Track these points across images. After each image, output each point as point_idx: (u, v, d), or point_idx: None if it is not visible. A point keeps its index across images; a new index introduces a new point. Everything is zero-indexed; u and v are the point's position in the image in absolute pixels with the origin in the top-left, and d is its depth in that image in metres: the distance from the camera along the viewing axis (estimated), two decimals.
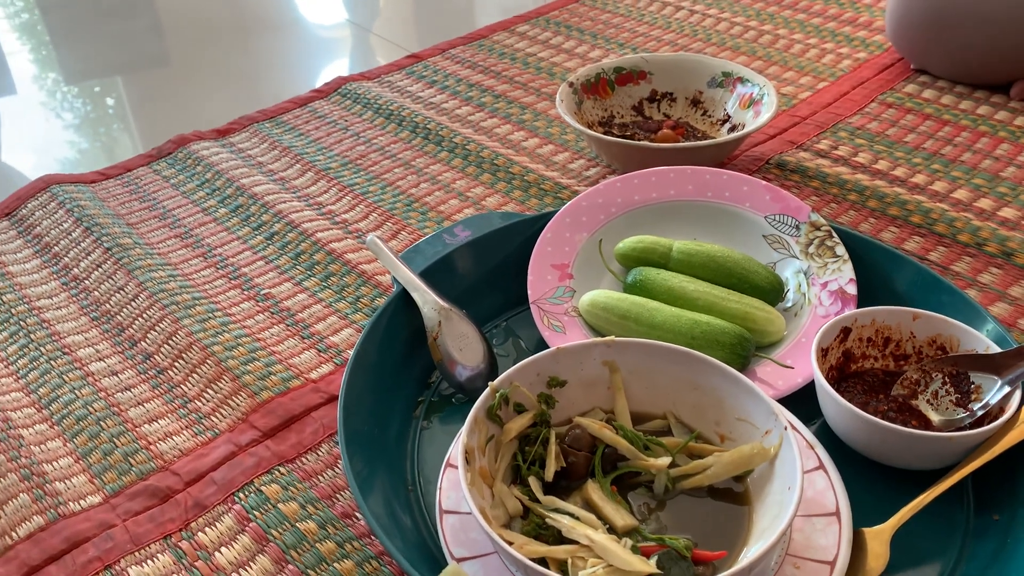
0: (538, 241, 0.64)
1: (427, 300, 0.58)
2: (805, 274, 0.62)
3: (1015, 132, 0.85)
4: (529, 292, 0.61)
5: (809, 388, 0.54)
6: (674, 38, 1.08)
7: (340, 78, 1.02)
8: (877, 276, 0.61)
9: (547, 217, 0.66)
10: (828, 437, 0.52)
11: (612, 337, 0.51)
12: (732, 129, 0.83)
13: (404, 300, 0.59)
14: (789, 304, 0.61)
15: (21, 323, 0.68)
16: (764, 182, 0.66)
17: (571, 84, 0.85)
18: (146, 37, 1.24)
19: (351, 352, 0.55)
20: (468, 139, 0.89)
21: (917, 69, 0.96)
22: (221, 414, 0.58)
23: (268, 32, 1.23)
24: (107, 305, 0.69)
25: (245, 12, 1.30)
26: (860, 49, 1.02)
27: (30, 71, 1.19)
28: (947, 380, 0.53)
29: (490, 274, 0.64)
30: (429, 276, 0.60)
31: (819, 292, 0.60)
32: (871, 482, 0.50)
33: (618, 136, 0.84)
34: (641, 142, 0.78)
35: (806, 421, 0.52)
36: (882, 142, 0.85)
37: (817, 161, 0.82)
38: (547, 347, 0.58)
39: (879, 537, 0.46)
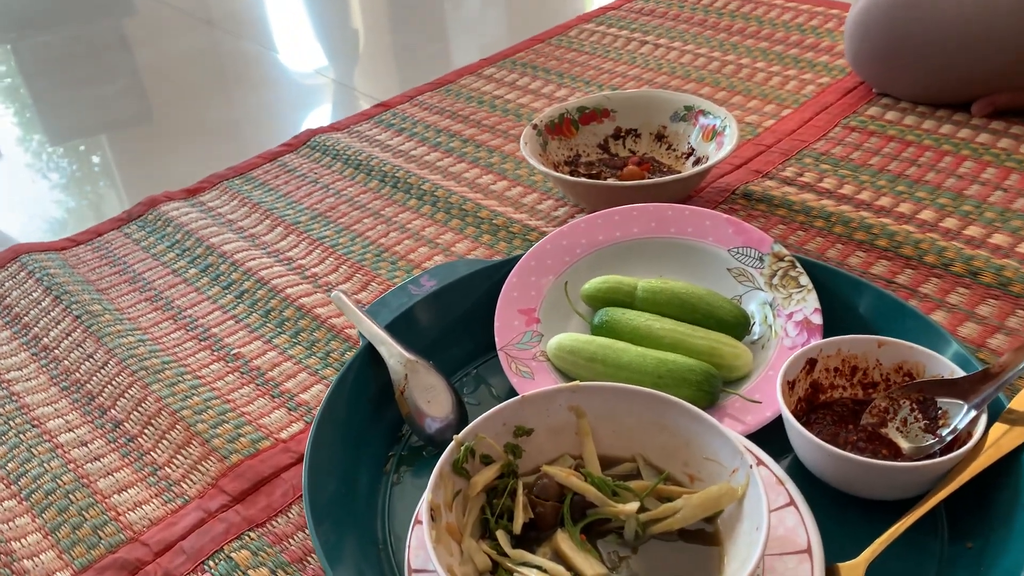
0: (504, 287, 0.64)
1: (393, 353, 0.58)
2: (771, 306, 0.62)
3: (977, 150, 0.85)
4: (496, 339, 0.61)
5: (779, 421, 0.53)
6: (639, 73, 1.09)
7: (309, 131, 1.03)
8: (842, 304, 0.61)
9: (512, 262, 0.66)
10: (800, 471, 0.52)
11: (577, 382, 0.51)
12: (697, 162, 0.84)
13: (370, 354, 0.59)
14: (756, 337, 0.61)
15: None
16: (726, 215, 0.66)
17: (535, 126, 0.86)
18: (126, 97, 1.25)
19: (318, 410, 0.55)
20: (436, 185, 0.89)
21: (879, 92, 0.97)
22: (191, 480, 0.58)
23: (243, 87, 1.24)
24: (76, 374, 0.68)
25: (221, 68, 1.31)
26: (823, 74, 1.03)
27: (14, 133, 1.20)
28: (915, 407, 0.53)
29: (457, 322, 0.64)
30: (395, 329, 0.60)
31: (785, 323, 0.60)
32: (843, 515, 0.50)
33: (584, 175, 0.85)
34: (606, 181, 0.79)
35: (777, 455, 0.51)
36: (847, 166, 0.85)
37: (783, 189, 0.82)
38: (516, 394, 0.58)
39: (854, 572, 0.46)
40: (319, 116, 1.16)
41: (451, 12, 1.46)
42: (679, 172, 0.85)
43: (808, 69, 1.05)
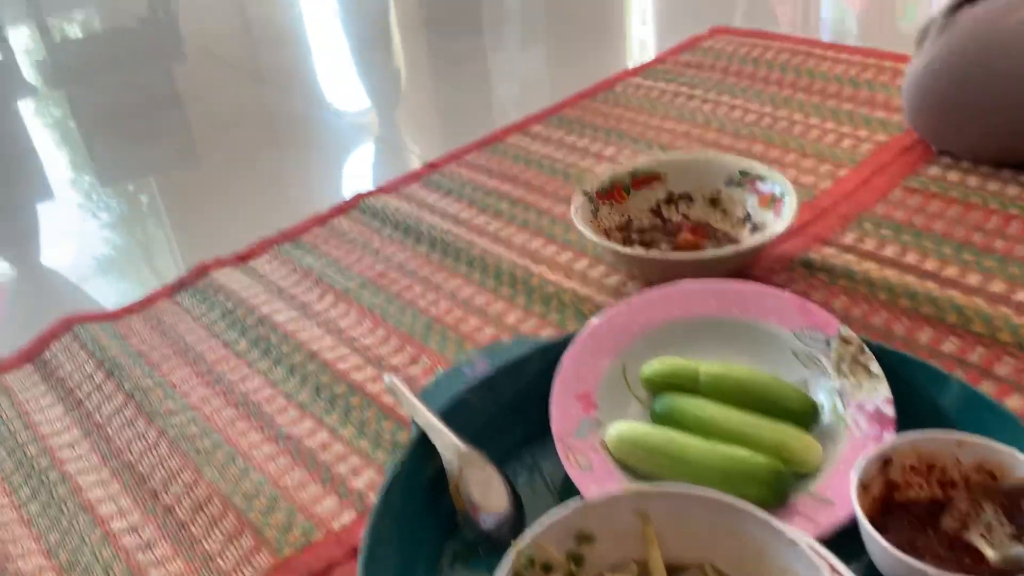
0: (559, 370, 0.62)
1: (447, 444, 0.56)
2: (839, 394, 0.59)
3: None
4: (553, 428, 0.59)
5: (855, 521, 0.51)
6: (687, 129, 1.07)
7: (359, 194, 1.03)
8: (915, 393, 0.58)
9: (567, 342, 0.64)
10: None
11: (642, 486, 0.49)
12: (754, 229, 0.82)
13: (424, 444, 0.57)
14: (825, 427, 0.59)
15: (43, 478, 0.67)
16: (789, 294, 0.64)
17: (585, 192, 0.84)
18: (176, 153, 1.26)
19: (372, 502, 0.53)
20: (486, 251, 0.88)
21: (939, 151, 0.94)
22: (243, 574, 0.57)
23: (292, 145, 1.25)
24: (128, 455, 0.68)
25: (270, 124, 1.33)
26: (879, 131, 1.01)
27: (67, 176, 1.22)
28: (999, 511, 0.50)
29: (511, 406, 0.62)
30: (449, 415, 0.59)
31: (855, 414, 0.58)
32: None
33: (637, 242, 0.83)
34: (660, 249, 0.77)
35: (854, 559, 0.49)
36: (909, 232, 0.83)
37: (844, 257, 0.80)
38: (573, 485, 0.56)
39: None
40: (368, 175, 1.16)
41: (496, 67, 1.46)
42: (735, 239, 0.83)
43: (863, 125, 1.02)
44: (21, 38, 2.04)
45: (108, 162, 1.28)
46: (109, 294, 0.95)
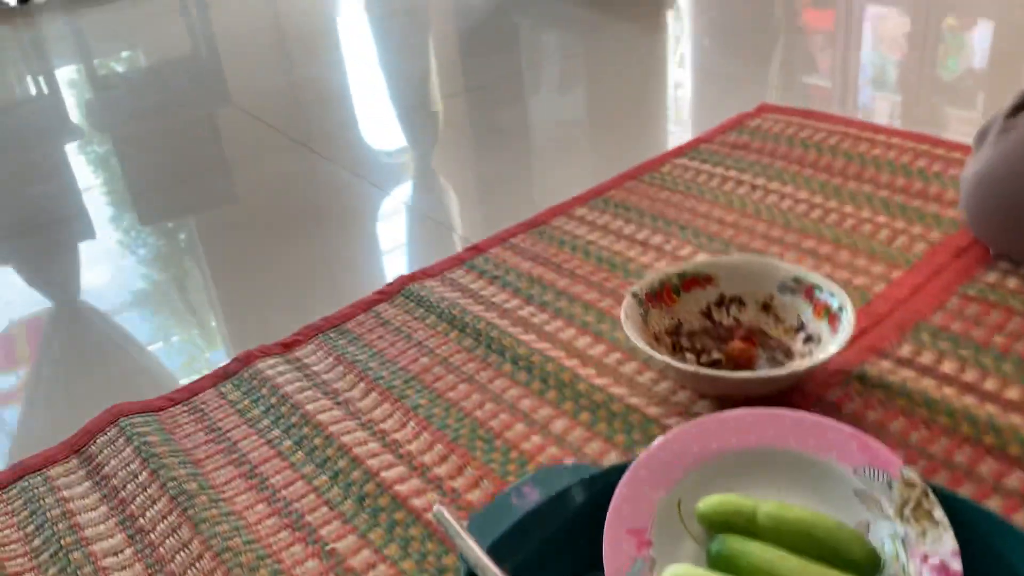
0: (612, 503, 0.61)
1: None
2: (902, 541, 0.57)
3: None
4: (605, 566, 0.58)
5: None
6: (736, 219, 1.06)
7: (402, 277, 1.02)
8: (981, 543, 0.56)
9: (620, 471, 0.63)
10: None
11: None
12: (807, 339, 0.80)
13: None
14: None
15: None
16: (850, 430, 0.62)
17: (635, 295, 0.83)
18: (221, 226, 1.27)
19: None
20: (532, 349, 0.87)
21: (996, 254, 0.92)
22: None
23: (336, 219, 1.26)
24: (172, 565, 0.67)
25: (314, 195, 1.33)
26: (933, 228, 0.99)
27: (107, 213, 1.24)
28: None
29: (562, 539, 0.61)
30: (498, 549, 0.58)
31: (920, 566, 0.56)
32: None
33: (687, 348, 0.82)
34: (712, 371, 0.75)
35: None
36: (967, 346, 0.80)
37: (901, 373, 0.78)
38: None
39: None
40: (410, 252, 1.16)
41: (538, 138, 1.46)
42: (787, 348, 0.81)
43: (917, 221, 1.01)
44: (68, 76, 2.08)
45: (150, 226, 1.29)
46: (154, 388, 0.95)
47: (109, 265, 1.22)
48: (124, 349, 1.01)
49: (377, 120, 1.61)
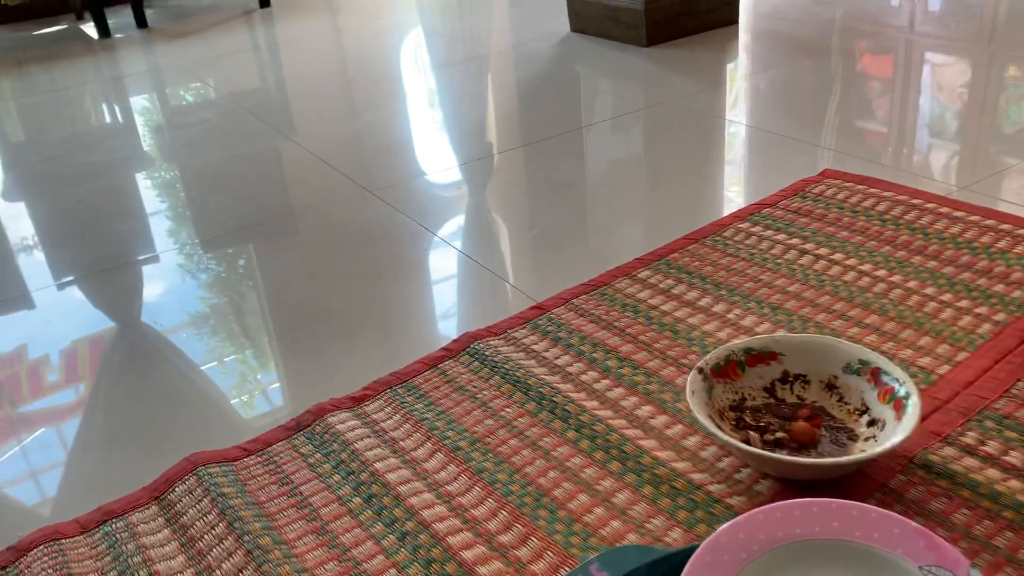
0: None
1: None
2: None
3: None
4: None
5: None
6: (799, 290, 1.07)
7: (468, 334, 1.05)
8: None
9: (686, 555, 0.64)
10: None
11: None
12: (871, 423, 0.81)
13: None
14: None
15: None
16: (916, 526, 0.63)
17: (701, 370, 0.85)
18: (292, 275, 1.32)
19: None
20: (595, 417, 0.89)
21: None
22: None
23: (402, 270, 1.29)
24: None
25: (378, 244, 1.37)
26: (998, 308, 0.99)
27: (166, 236, 1.28)
28: None
29: None
30: None
31: None
32: None
33: (750, 424, 0.83)
34: (776, 455, 0.76)
35: None
36: None
37: (965, 461, 0.78)
38: None
39: None
40: (473, 307, 1.19)
41: (600, 198, 1.48)
42: (851, 431, 0.82)
43: (983, 300, 1.01)
44: (141, 106, 2.17)
45: (211, 253, 1.34)
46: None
47: (172, 292, 1.27)
48: (192, 381, 1.05)
49: (440, 170, 1.65)
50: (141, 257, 1.41)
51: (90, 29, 3.16)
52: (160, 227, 1.52)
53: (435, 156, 1.72)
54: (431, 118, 1.94)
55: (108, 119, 2.21)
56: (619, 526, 0.76)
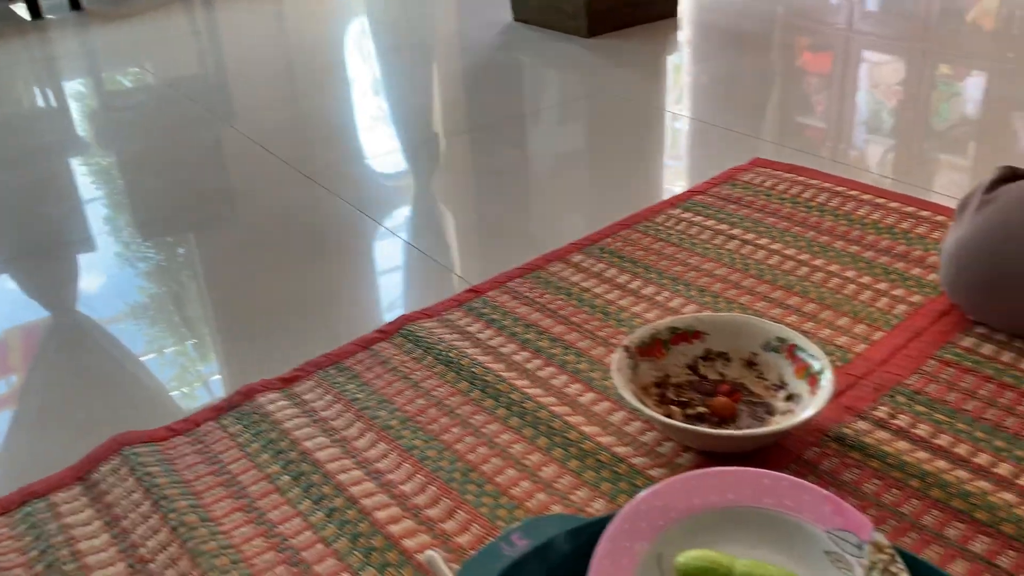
0: (596, 555, 0.64)
1: None
2: None
3: None
4: None
5: None
6: (726, 273, 1.10)
7: (402, 317, 1.06)
8: None
9: (605, 522, 0.66)
10: None
11: None
12: (788, 397, 0.84)
13: None
14: None
15: None
16: (825, 492, 0.66)
17: (626, 348, 0.87)
18: (225, 259, 1.31)
19: None
20: (525, 395, 0.90)
21: (974, 320, 0.96)
22: None
23: (338, 253, 1.29)
24: None
25: (318, 228, 1.37)
26: (914, 291, 1.03)
27: (107, 227, 1.27)
28: None
29: None
30: None
31: None
32: None
33: (673, 400, 0.85)
34: (695, 428, 0.79)
35: None
36: (942, 410, 0.84)
37: (877, 434, 0.82)
38: None
39: None
40: (409, 291, 1.19)
41: (540, 184, 1.50)
42: (768, 405, 0.85)
43: (900, 283, 1.05)
44: (75, 90, 2.12)
45: (150, 240, 1.33)
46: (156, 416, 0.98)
47: (107, 278, 1.25)
48: (123, 365, 1.04)
49: (381, 156, 1.65)
50: (75, 241, 1.38)
51: (21, 10, 3.07)
52: (96, 213, 1.49)
53: (376, 142, 1.71)
54: (373, 104, 1.94)
55: (40, 103, 2.16)
56: (544, 498, 0.78)
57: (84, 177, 1.64)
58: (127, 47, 2.54)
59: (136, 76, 2.28)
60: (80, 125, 1.94)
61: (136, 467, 0.83)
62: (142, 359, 1.07)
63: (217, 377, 1.03)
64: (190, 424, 0.90)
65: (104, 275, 1.28)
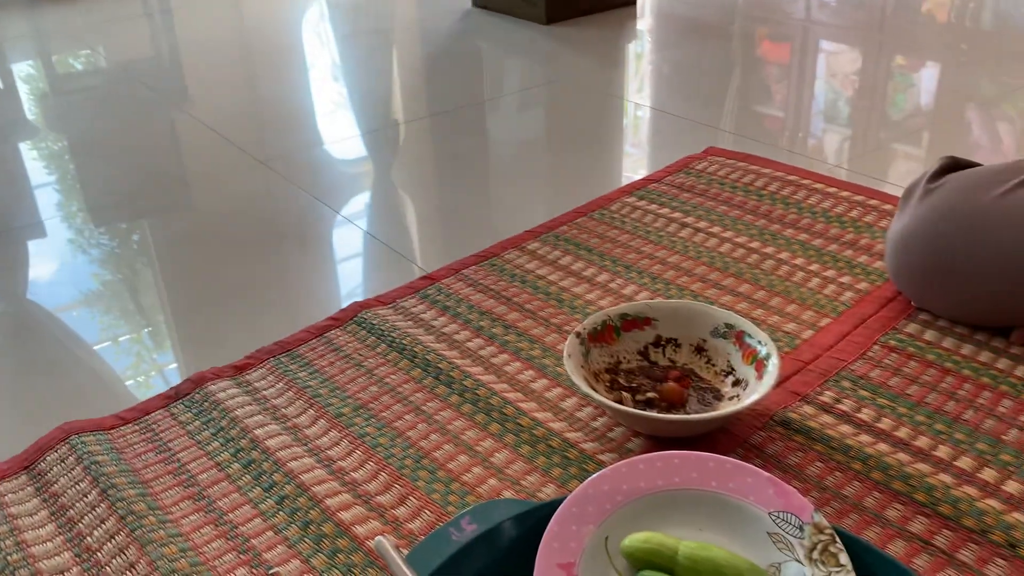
0: (545, 535, 0.65)
1: None
2: None
3: (1016, 386, 0.86)
4: None
5: None
6: (678, 260, 1.11)
7: (356, 304, 1.05)
8: None
9: (554, 507, 0.67)
10: None
11: None
12: (735, 383, 0.85)
13: None
14: None
15: None
16: (768, 475, 0.67)
17: (578, 334, 0.88)
18: (179, 241, 1.29)
19: None
20: (478, 382, 0.91)
21: (918, 307, 0.98)
22: None
23: (292, 241, 1.28)
24: None
25: (272, 216, 1.36)
26: (861, 278, 1.05)
27: (59, 212, 1.25)
28: None
29: (497, 570, 0.64)
30: None
31: None
32: None
33: (623, 385, 0.86)
34: (644, 413, 0.80)
35: None
36: (885, 395, 0.86)
37: (821, 418, 0.83)
38: None
39: None
40: (365, 278, 1.19)
41: (498, 172, 1.50)
42: (716, 390, 0.86)
43: (847, 270, 1.07)
44: (25, 72, 2.07)
45: (103, 227, 1.31)
46: (105, 405, 0.97)
47: (58, 265, 1.23)
48: (74, 353, 1.02)
49: (338, 142, 1.64)
50: (25, 226, 1.36)
51: None
52: (47, 198, 1.46)
53: (334, 128, 1.70)
54: (331, 89, 1.92)
55: None
56: (496, 484, 0.78)
57: (34, 161, 1.61)
58: (78, 29, 2.49)
59: (87, 59, 2.24)
60: (30, 108, 1.90)
61: (83, 456, 0.82)
62: (95, 347, 1.05)
63: (173, 366, 1.02)
64: (139, 412, 0.89)
65: (56, 262, 1.26)
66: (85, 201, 1.44)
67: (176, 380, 0.97)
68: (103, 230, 1.34)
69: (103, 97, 1.93)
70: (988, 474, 0.76)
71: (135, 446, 0.85)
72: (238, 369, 0.95)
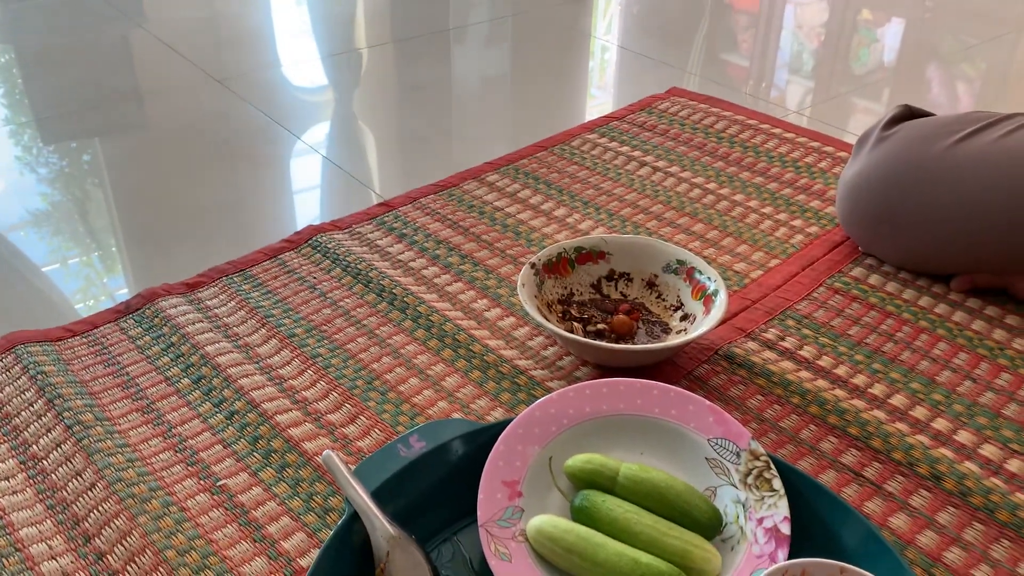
0: (491, 454, 0.66)
1: (377, 527, 0.60)
2: (743, 505, 0.65)
3: (952, 330, 0.89)
4: (479, 513, 0.63)
5: None
6: (636, 198, 1.12)
7: (311, 227, 1.05)
8: (811, 514, 0.64)
9: (501, 427, 0.68)
10: None
11: None
12: (684, 317, 0.87)
13: (356, 523, 0.61)
14: (727, 535, 0.64)
15: None
16: (708, 403, 0.69)
17: (533, 265, 0.88)
18: (131, 160, 1.26)
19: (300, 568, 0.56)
20: (432, 308, 0.91)
21: (865, 252, 1.01)
22: None
23: (248, 162, 1.26)
24: (63, 492, 0.70)
25: (228, 136, 1.33)
26: (812, 222, 1.07)
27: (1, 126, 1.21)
28: None
29: (442, 487, 0.66)
30: (381, 494, 0.62)
31: (755, 528, 0.63)
32: None
33: (575, 316, 0.88)
34: (594, 342, 0.81)
35: None
36: (827, 334, 0.89)
37: (764, 354, 0.86)
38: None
39: None
40: (321, 202, 1.18)
41: (461, 102, 1.48)
42: (665, 324, 0.88)
43: (799, 214, 1.09)
44: None
45: (52, 145, 1.27)
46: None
47: (5, 182, 1.20)
48: (19, 270, 1.01)
49: (298, 64, 1.60)
50: None
51: None
52: None
53: (294, 50, 1.66)
54: (293, 10, 1.87)
55: None
56: (445, 406, 0.79)
57: None
58: None
59: None
60: None
61: (30, 366, 0.81)
62: (43, 269, 1.03)
63: (124, 291, 1.01)
64: (87, 326, 0.88)
65: (2, 180, 1.22)
66: (34, 116, 1.40)
67: (124, 296, 0.96)
68: (52, 148, 1.30)
69: (53, 7, 1.86)
70: (919, 412, 0.79)
71: (83, 358, 0.84)
72: (190, 287, 0.94)
